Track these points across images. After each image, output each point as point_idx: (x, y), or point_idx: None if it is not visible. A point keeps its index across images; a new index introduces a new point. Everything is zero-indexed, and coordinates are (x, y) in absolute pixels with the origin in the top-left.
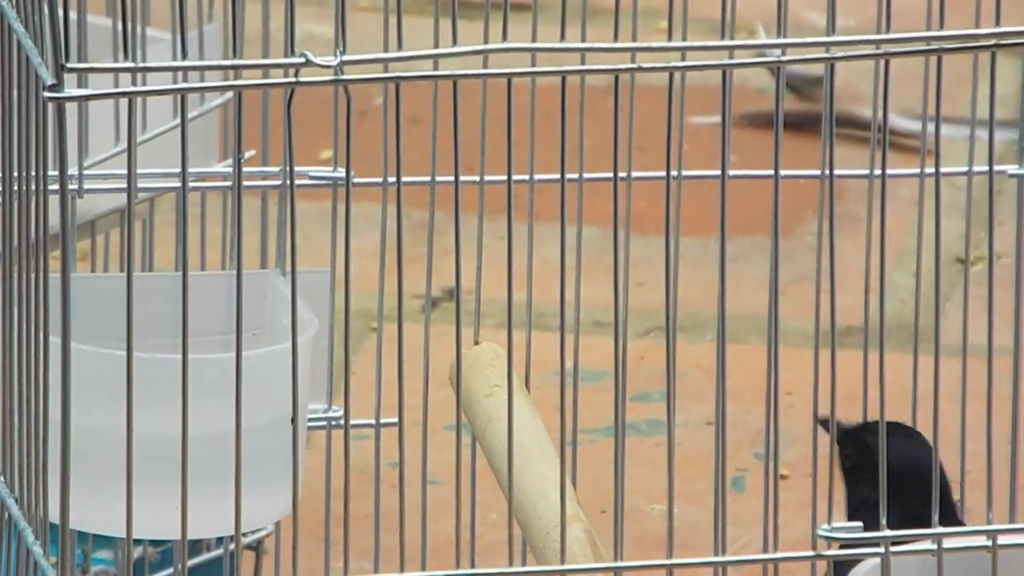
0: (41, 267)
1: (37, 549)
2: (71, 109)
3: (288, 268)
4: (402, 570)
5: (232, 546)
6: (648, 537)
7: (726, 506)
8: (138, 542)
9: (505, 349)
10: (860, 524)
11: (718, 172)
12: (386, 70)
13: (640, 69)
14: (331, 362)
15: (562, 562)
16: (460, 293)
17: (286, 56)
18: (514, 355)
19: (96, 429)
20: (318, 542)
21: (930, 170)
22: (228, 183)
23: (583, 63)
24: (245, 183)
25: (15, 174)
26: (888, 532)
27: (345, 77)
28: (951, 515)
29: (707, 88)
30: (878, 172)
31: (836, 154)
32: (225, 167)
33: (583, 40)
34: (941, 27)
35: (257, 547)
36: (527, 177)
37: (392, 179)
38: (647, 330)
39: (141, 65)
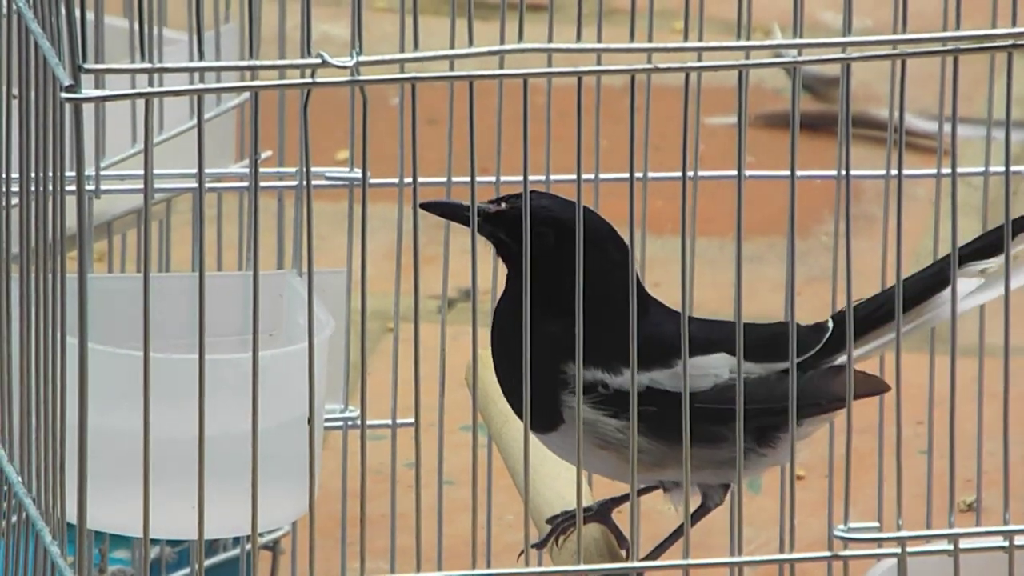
0: (58, 268)
1: (55, 549)
2: (88, 110)
3: (304, 269)
4: (418, 570)
5: (248, 546)
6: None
7: (742, 506)
8: (155, 542)
9: None
10: (877, 524)
11: (734, 172)
12: (402, 70)
13: (656, 69)
14: (347, 362)
15: (579, 562)
16: (476, 293)
17: (302, 57)
18: None
19: (113, 429)
20: (335, 542)
21: (947, 170)
22: (245, 184)
23: (599, 63)
24: (262, 184)
25: (32, 175)
26: (905, 532)
27: (361, 78)
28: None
29: (723, 88)
30: (894, 172)
31: (852, 154)
32: (242, 168)
33: (599, 40)
34: (957, 27)
35: (274, 547)
36: (543, 177)
37: (408, 179)
38: None
39: (158, 66)
